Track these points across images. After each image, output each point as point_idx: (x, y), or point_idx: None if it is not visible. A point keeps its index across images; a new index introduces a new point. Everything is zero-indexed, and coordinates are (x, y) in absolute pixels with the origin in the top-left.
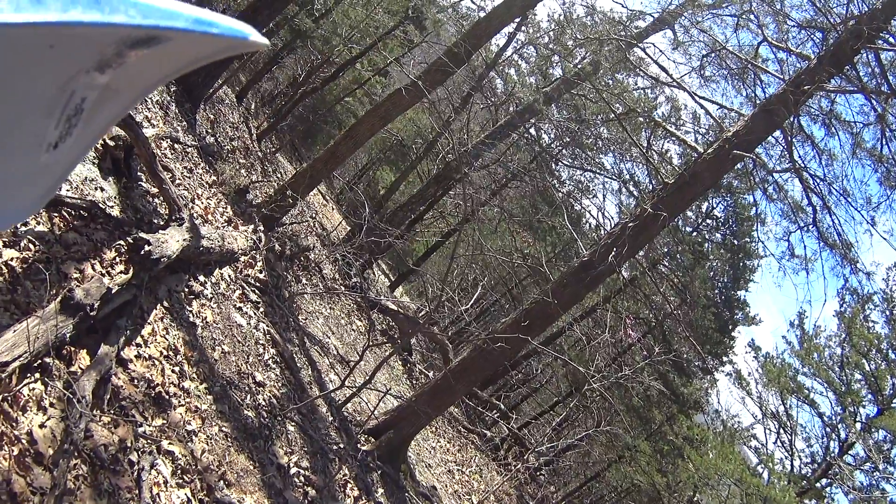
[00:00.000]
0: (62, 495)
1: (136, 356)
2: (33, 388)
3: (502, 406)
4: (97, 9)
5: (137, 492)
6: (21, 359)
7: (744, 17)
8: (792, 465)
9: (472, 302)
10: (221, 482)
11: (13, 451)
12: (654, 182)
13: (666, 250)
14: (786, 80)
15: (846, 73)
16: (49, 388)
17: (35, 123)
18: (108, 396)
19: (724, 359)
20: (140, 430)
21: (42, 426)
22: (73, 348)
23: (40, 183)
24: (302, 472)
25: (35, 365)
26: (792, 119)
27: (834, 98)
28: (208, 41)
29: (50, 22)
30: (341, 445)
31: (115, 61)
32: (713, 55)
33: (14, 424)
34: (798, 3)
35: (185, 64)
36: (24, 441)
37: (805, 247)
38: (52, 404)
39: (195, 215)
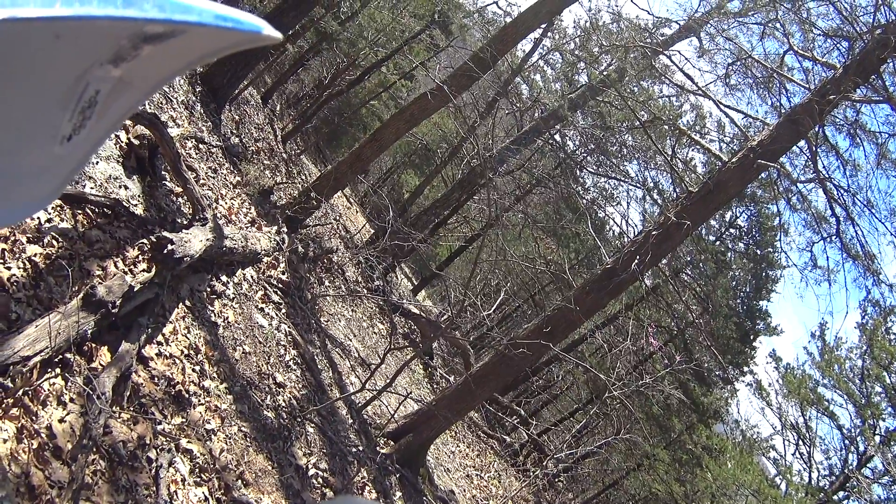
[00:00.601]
0: (80, 489)
1: (156, 354)
2: (53, 383)
3: (522, 412)
4: (110, 3)
5: (155, 489)
6: (42, 354)
7: (770, 25)
8: (810, 477)
9: (494, 307)
10: (239, 481)
11: (32, 444)
12: (678, 190)
13: (689, 259)
14: (811, 90)
15: (872, 82)
16: (69, 384)
17: (50, 115)
18: (128, 393)
19: (745, 369)
20: (159, 427)
21: (61, 421)
22: (94, 345)
23: (54, 175)
24: (320, 473)
25: (56, 360)
26: (817, 129)
27: (859, 108)
28: (222, 35)
29: (63, 16)
30: (360, 448)
31: (129, 55)
32: (739, 63)
33: (34, 418)
34: (824, 11)
35: (199, 57)
36: (43, 435)
37: (828, 258)
38: (71, 399)
39: (219, 215)
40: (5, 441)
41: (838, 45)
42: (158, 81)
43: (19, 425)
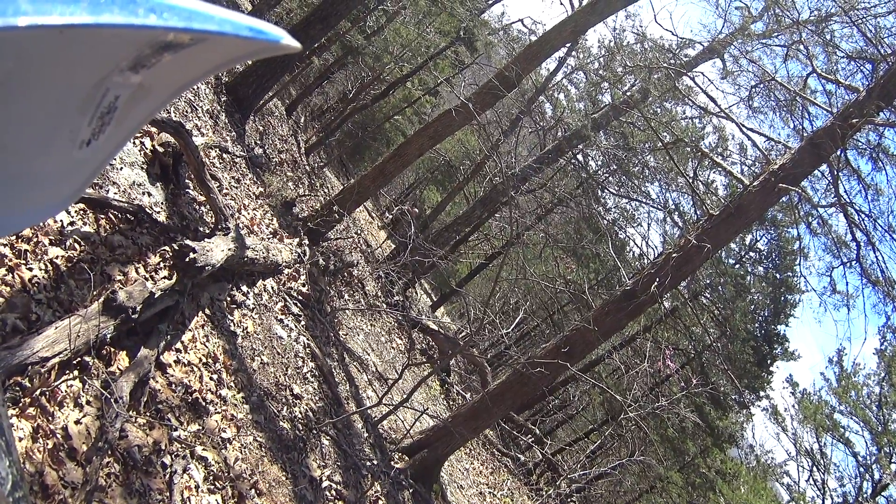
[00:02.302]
0: (93, 491)
1: (175, 361)
2: (71, 385)
3: (537, 431)
4: (132, 11)
5: (168, 494)
6: (61, 355)
7: (794, 47)
8: None
9: (513, 326)
10: (253, 491)
11: (48, 444)
12: (698, 213)
13: (708, 282)
14: (833, 113)
15: (895, 106)
16: (87, 387)
17: (69, 120)
18: (145, 399)
19: (761, 393)
20: (175, 433)
21: (77, 423)
22: (112, 349)
23: (72, 179)
24: (334, 485)
25: (74, 362)
26: (839, 153)
27: (882, 132)
28: (242, 44)
29: (85, 24)
30: (375, 462)
31: (149, 62)
32: (762, 86)
33: (50, 419)
34: (848, 33)
35: (219, 65)
36: (58, 436)
37: (847, 283)
38: (88, 402)
39: (241, 225)
40: (21, 440)
41: (862, 68)
42: (178, 88)
43: (35, 425)
